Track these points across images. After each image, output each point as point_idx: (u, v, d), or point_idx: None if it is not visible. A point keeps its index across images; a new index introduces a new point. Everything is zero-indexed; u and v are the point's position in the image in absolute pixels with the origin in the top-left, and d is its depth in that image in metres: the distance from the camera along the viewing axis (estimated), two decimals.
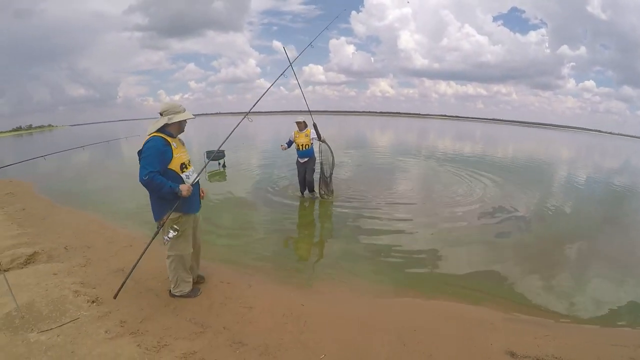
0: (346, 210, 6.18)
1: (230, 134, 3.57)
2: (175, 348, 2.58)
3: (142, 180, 2.71)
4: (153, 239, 2.93)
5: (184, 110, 2.97)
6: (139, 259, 2.89)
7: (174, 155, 2.85)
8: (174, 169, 2.86)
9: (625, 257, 4.63)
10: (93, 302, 3.07)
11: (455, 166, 11.55)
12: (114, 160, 14.79)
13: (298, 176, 6.92)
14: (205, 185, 3.22)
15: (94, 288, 3.34)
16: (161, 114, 2.92)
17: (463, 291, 3.54)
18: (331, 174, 6.62)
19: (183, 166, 2.92)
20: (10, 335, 2.63)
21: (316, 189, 6.81)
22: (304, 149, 6.49)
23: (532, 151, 21.15)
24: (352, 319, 2.98)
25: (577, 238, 5.26)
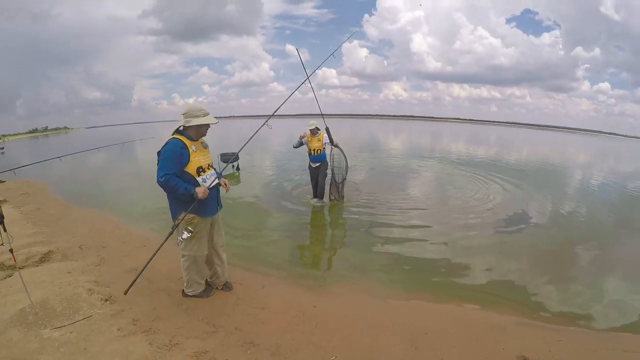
0: (359, 214, 6.04)
1: (249, 140, 3.51)
2: (187, 347, 2.51)
3: (158, 182, 2.71)
4: (167, 238, 2.87)
5: (204, 115, 2.86)
6: (152, 257, 2.84)
7: (191, 158, 2.78)
8: (190, 172, 2.79)
9: None
10: (106, 300, 3.02)
11: (469, 169, 11.28)
12: (128, 162, 14.84)
13: (311, 181, 6.68)
14: None
15: (108, 287, 3.28)
16: (183, 116, 2.88)
17: (475, 295, 3.43)
18: (344, 179, 6.43)
19: (200, 170, 2.85)
20: (24, 331, 2.58)
21: (326, 196, 6.59)
22: (316, 153, 6.22)
23: (547, 154, 20.59)
24: (364, 321, 2.89)
25: (591, 243, 5.08)
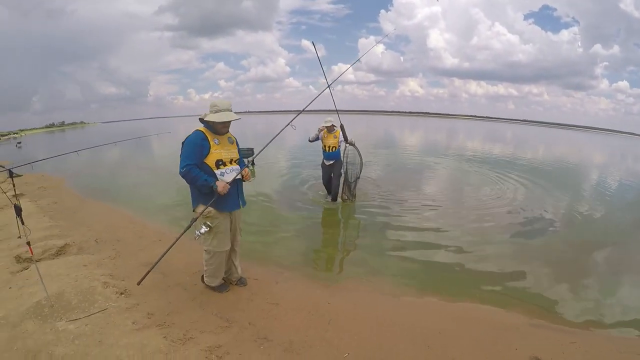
0: (373, 211, 5.86)
1: (272, 140, 3.41)
2: (201, 341, 2.43)
3: (180, 172, 2.66)
4: (184, 231, 2.77)
5: (216, 112, 2.78)
6: (168, 249, 2.76)
7: (211, 150, 2.73)
8: (208, 164, 2.72)
9: None
10: (121, 293, 2.94)
11: (485, 167, 10.95)
12: (144, 156, 14.67)
13: (323, 178, 6.34)
14: None
15: (123, 280, 3.20)
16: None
17: (489, 295, 3.30)
18: (358, 178, 6.09)
19: (219, 163, 2.76)
20: (39, 323, 2.52)
21: (339, 197, 6.23)
22: (331, 150, 5.89)
23: (564, 154, 19.97)
24: (378, 319, 2.78)
25: (607, 245, 4.89)
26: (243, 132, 23.42)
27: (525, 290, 3.43)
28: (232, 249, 3.07)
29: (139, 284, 2.74)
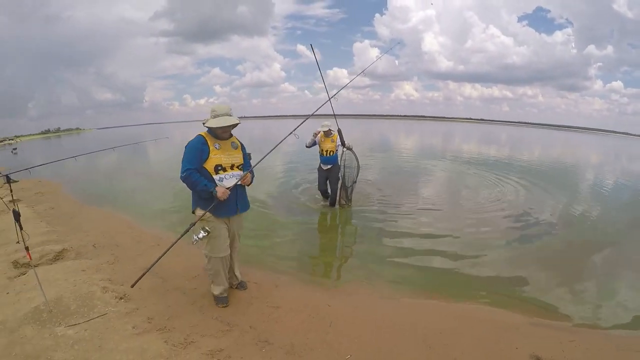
0: (371, 215, 5.80)
1: (274, 148, 3.28)
2: (202, 345, 2.39)
3: (180, 177, 2.63)
4: (181, 236, 2.71)
5: (214, 117, 2.71)
6: (164, 254, 2.68)
7: (211, 155, 2.67)
8: (207, 168, 2.67)
9: None
10: (121, 298, 2.90)
11: (481, 169, 11.02)
12: (141, 162, 14.55)
13: (318, 184, 6.14)
14: None
15: (122, 285, 3.15)
16: None
17: (488, 295, 3.29)
18: (354, 182, 5.94)
19: (218, 168, 2.69)
20: (37, 328, 2.47)
21: (337, 201, 6.06)
22: (328, 155, 5.75)
23: (560, 155, 19.93)
24: (378, 320, 2.77)
25: (604, 244, 4.88)
26: (239, 137, 23.20)
27: (525, 291, 3.43)
28: (231, 255, 2.99)
29: (132, 286, 2.64)
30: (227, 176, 2.73)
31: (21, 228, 2.66)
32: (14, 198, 6.04)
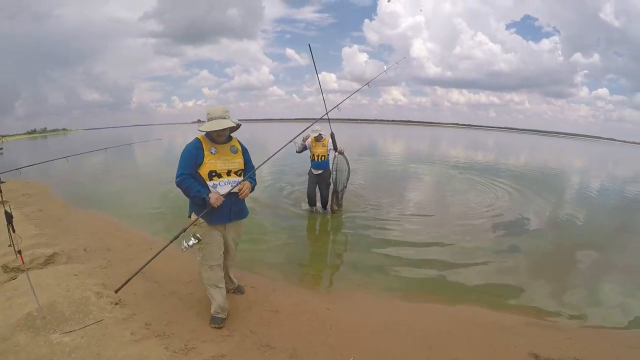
0: (362, 219, 5.71)
1: (273, 155, 3.19)
2: (203, 351, 2.35)
3: (175, 182, 2.52)
4: (171, 242, 2.56)
5: (209, 120, 2.56)
6: (151, 260, 2.57)
7: (205, 160, 2.52)
8: (201, 174, 2.52)
9: None
10: (116, 304, 2.81)
11: (469, 174, 11.06)
12: (130, 164, 14.23)
13: (307, 188, 5.90)
14: None
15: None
16: None
17: (483, 297, 3.32)
18: (345, 187, 5.74)
19: (212, 174, 2.53)
20: (31, 336, 2.37)
21: (328, 205, 5.91)
22: (319, 160, 5.54)
23: (547, 160, 20.04)
24: (377, 323, 2.77)
25: (594, 246, 4.97)
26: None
27: (520, 292, 3.47)
28: (225, 262, 2.86)
29: (117, 291, 2.51)
30: (221, 183, 2.58)
31: (13, 230, 2.56)
32: (3, 199, 5.86)
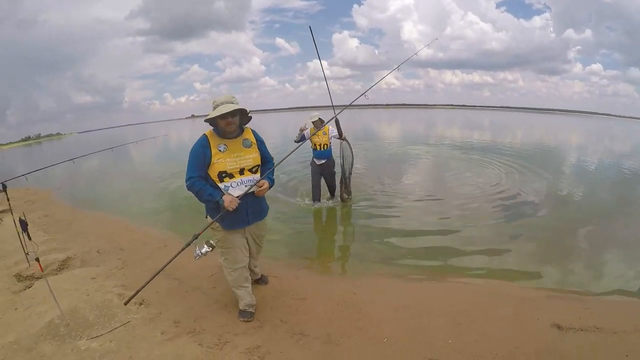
0: (373, 204, 5.44)
1: (287, 157, 2.67)
2: (238, 344, 2.19)
3: (185, 186, 2.16)
4: (183, 249, 2.08)
5: (215, 107, 2.14)
6: (160, 271, 2.05)
7: (213, 160, 2.12)
8: (211, 175, 2.15)
9: None
10: (140, 304, 2.62)
11: (471, 154, 10.34)
12: (129, 163, 13.55)
13: (312, 180, 5.28)
14: None
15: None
16: None
17: (503, 273, 3.21)
18: (350, 174, 5.29)
19: (223, 175, 2.14)
20: (57, 344, 2.18)
21: (337, 193, 5.47)
22: (322, 149, 5.00)
23: (547, 137, 18.53)
24: (405, 304, 2.64)
25: (608, 220, 4.76)
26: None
27: (537, 267, 3.35)
28: (250, 261, 2.61)
29: (126, 303, 2.10)
30: (233, 184, 2.18)
31: (29, 238, 2.32)
32: (4, 208, 5.48)
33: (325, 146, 5.03)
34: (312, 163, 5.24)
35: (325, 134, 4.95)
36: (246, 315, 2.46)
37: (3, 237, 4.24)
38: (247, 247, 2.41)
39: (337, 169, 5.32)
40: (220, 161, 2.13)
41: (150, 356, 2.06)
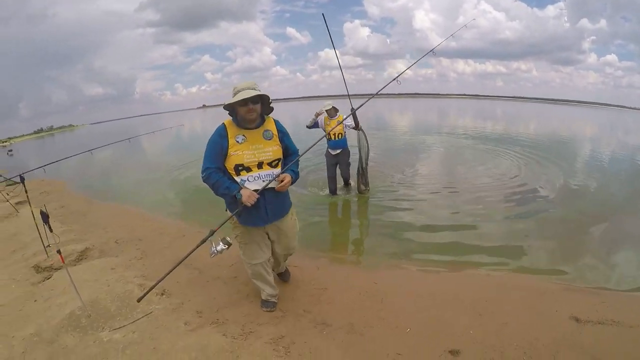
0: (389, 197, 5.06)
1: (309, 149, 2.34)
2: (262, 334, 2.06)
3: (201, 178, 1.95)
4: (199, 245, 1.84)
5: (236, 93, 1.91)
6: (173, 269, 1.78)
7: (230, 152, 1.90)
8: (227, 168, 1.94)
9: None
10: (162, 294, 2.49)
11: (485, 145, 9.72)
12: (143, 153, 13.22)
13: (327, 171, 5.01)
14: None
15: None
16: None
17: (522, 265, 3.07)
18: (367, 164, 4.99)
19: (240, 168, 1.92)
20: (79, 336, 2.04)
21: (353, 183, 5.22)
22: (336, 138, 4.69)
23: (566, 129, 17.38)
24: (426, 294, 2.52)
25: (625, 213, 4.49)
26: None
27: (556, 260, 3.20)
28: (276, 259, 2.43)
29: (139, 300, 1.86)
30: (250, 178, 1.94)
31: (50, 229, 2.18)
32: (20, 200, 5.33)
33: (340, 135, 4.72)
34: (327, 154, 4.93)
35: (340, 123, 4.60)
36: (269, 305, 2.32)
37: (20, 228, 4.09)
38: (268, 244, 2.21)
39: (351, 159, 5.05)
40: (238, 153, 1.91)
41: (174, 347, 1.93)
